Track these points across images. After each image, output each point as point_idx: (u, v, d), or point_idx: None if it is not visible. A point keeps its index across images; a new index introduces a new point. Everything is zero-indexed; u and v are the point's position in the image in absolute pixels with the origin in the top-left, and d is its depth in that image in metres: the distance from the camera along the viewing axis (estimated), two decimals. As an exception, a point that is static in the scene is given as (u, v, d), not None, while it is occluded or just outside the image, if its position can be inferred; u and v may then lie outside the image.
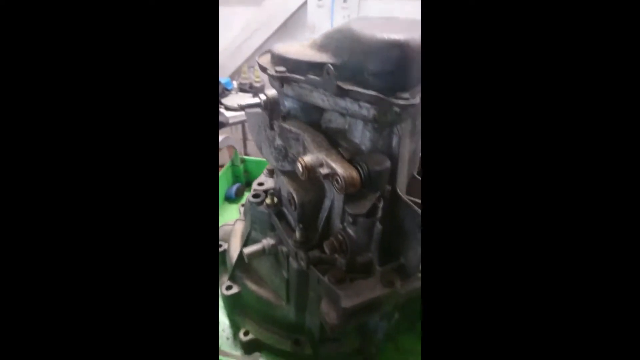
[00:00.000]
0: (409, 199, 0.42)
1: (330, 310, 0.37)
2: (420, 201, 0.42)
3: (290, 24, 1.89)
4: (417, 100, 0.32)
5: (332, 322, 0.37)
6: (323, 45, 0.39)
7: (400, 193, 0.39)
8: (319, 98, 0.37)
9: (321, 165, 0.34)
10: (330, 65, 0.33)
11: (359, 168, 0.33)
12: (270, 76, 0.38)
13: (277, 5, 1.86)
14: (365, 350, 0.52)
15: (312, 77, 0.35)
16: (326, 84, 0.33)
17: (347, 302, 0.36)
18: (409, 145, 0.42)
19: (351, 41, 0.35)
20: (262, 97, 0.39)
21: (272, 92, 0.40)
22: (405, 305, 0.48)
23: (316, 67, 0.36)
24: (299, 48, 0.42)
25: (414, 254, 0.39)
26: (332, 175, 0.33)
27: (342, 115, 0.39)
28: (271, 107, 0.38)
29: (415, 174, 0.47)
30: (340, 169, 0.33)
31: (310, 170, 0.34)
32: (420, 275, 0.40)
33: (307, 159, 0.34)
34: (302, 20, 1.87)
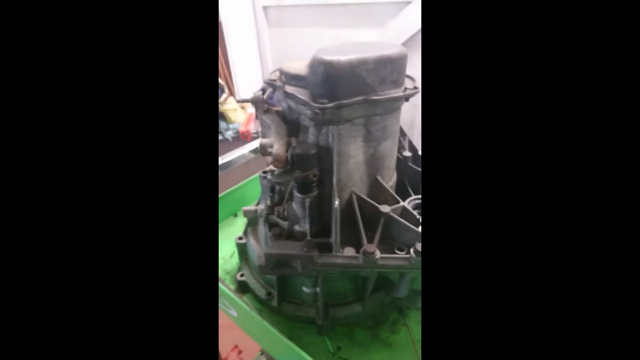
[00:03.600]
0: (355, 193, 0.50)
1: (261, 254, 0.50)
2: (368, 199, 0.49)
3: (410, 44, 1.98)
4: (331, 105, 0.41)
5: (260, 264, 0.49)
6: (308, 63, 0.52)
7: (334, 182, 0.47)
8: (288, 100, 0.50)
9: (270, 146, 0.47)
10: (283, 75, 0.46)
11: (290, 151, 0.45)
12: (266, 82, 0.54)
13: (400, 26, 1.99)
14: (316, 321, 0.60)
15: (279, 84, 0.48)
16: (280, 89, 0.46)
17: (269, 250, 0.47)
18: (362, 148, 0.49)
19: (311, 60, 0.47)
20: (252, 96, 0.55)
21: (257, 92, 0.55)
22: (370, 301, 0.55)
23: (293, 78, 0.49)
24: (300, 65, 0.56)
25: (334, 234, 0.47)
26: (271, 153, 0.46)
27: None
28: (256, 104, 0.54)
29: (379, 178, 0.53)
30: (275, 149, 0.45)
31: (262, 148, 0.48)
32: (339, 253, 0.47)
33: (264, 140, 0.48)
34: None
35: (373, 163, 0.52)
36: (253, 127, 1.87)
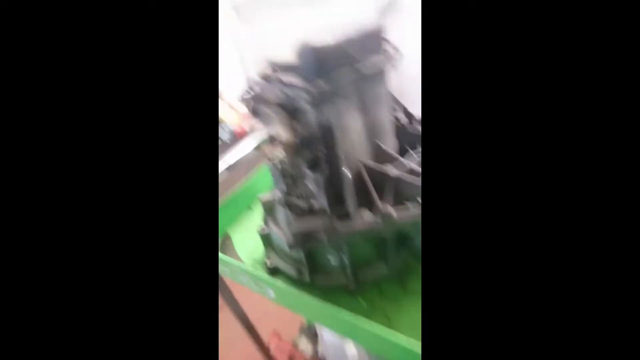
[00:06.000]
0: (360, 160, 0.54)
1: (288, 233, 0.55)
2: (376, 165, 0.53)
3: (389, 10, 1.97)
4: (326, 86, 0.45)
5: (288, 242, 0.54)
6: (295, 51, 0.55)
7: (339, 155, 0.52)
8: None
9: (278, 135, 0.52)
10: (277, 67, 0.49)
11: (296, 135, 0.49)
12: (261, 76, 0.57)
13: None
14: (348, 286, 0.66)
15: (274, 75, 0.52)
16: (275, 80, 0.50)
17: (294, 228, 0.52)
18: (359, 118, 0.53)
19: (299, 47, 0.50)
20: (250, 92, 0.59)
21: (256, 88, 0.59)
22: (392, 258, 0.60)
23: (285, 68, 0.53)
24: (284, 54, 0.59)
25: (350, 202, 0.51)
26: (280, 142, 0.50)
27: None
28: (254, 99, 0.58)
29: (380, 142, 0.57)
30: (283, 137, 0.49)
31: (271, 138, 0.52)
32: (357, 218, 0.52)
33: (270, 130, 0.52)
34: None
35: (372, 130, 0.56)
36: (247, 125, 1.89)
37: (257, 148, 0.94)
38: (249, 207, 0.97)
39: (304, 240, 0.53)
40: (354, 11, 1.96)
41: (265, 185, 1.00)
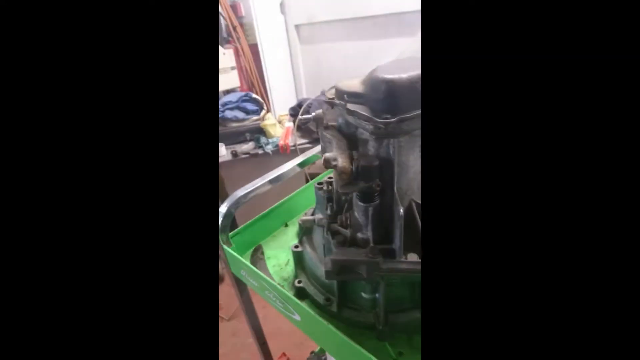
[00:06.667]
0: (414, 201, 0.52)
1: (328, 261, 0.53)
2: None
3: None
4: (394, 120, 0.44)
5: (327, 269, 0.52)
6: (364, 80, 0.56)
7: (396, 191, 0.50)
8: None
9: (335, 159, 0.51)
10: (345, 94, 0.50)
11: (354, 164, 0.48)
12: (324, 101, 0.58)
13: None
14: (376, 327, 0.62)
15: (339, 101, 0.52)
16: (341, 107, 0.50)
17: (335, 256, 0.51)
18: (420, 157, 0.52)
19: (369, 77, 0.50)
20: (313, 114, 0.60)
21: (319, 111, 0.59)
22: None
23: (351, 95, 0.53)
24: (354, 82, 0.60)
25: (397, 241, 0.49)
26: (336, 166, 0.50)
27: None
28: (317, 121, 0.58)
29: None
30: (340, 162, 0.49)
31: (326, 161, 0.52)
32: (403, 259, 0.49)
33: (327, 154, 0.52)
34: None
35: (430, 171, 0.54)
36: (291, 140, 1.94)
37: (302, 165, 0.95)
38: (285, 224, 0.97)
39: (342, 271, 0.51)
40: (412, 43, 1.98)
41: (305, 204, 1.00)
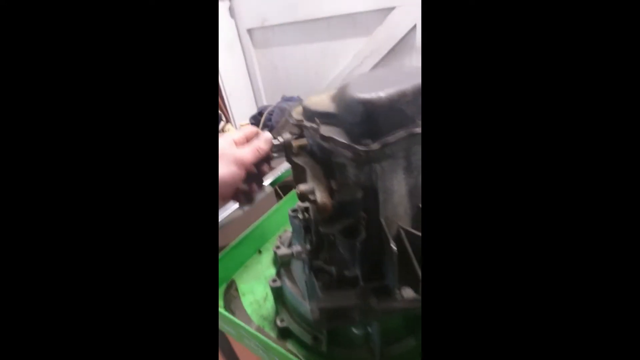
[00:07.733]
0: (403, 228, 0.47)
1: (315, 309, 0.46)
2: (418, 233, 0.46)
3: (399, 49, 1.98)
4: (377, 146, 0.38)
5: (315, 318, 0.46)
6: (335, 97, 0.50)
7: (383, 222, 0.45)
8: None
9: (312, 192, 0.45)
10: (316, 118, 0.43)
11: (335, 197, 0.42)
12: (295, 125, 0.51)
13: (386, 33, 1.98)
14: (372, 363, 0.56)
15: (310, 124, 0.46)
16: (314, 132, 0.44)
17: (323, 303, 0.44)
18: (403, 180, 0.47)
19: (341, 96, 0.44)
20: (280, 139, 0.53)
21: (287, 135, 0.52)
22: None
23: (322, 116, 0.47)
24: (323, 99, 0.53)
25: (391, 276, 0.44)
26: (314, 201, 0.43)
27: (341, 153, 0.48)
28: (286, 148, 0.51)
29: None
30: (319, 197, 0.42)
31: (302, 196, 0.45)
32: (397, 296, 0.44)
33: (302, 187, 0.45)
34: (410, 43, 1.92)
35: (415, 193, 0.49)
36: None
37: (273, 184, 0.87)
38: (259, 251, 0.88)
39: (332, 318, 0.45)
40: (367, 43, 1.96)
41: (278, 226, 0.92)
